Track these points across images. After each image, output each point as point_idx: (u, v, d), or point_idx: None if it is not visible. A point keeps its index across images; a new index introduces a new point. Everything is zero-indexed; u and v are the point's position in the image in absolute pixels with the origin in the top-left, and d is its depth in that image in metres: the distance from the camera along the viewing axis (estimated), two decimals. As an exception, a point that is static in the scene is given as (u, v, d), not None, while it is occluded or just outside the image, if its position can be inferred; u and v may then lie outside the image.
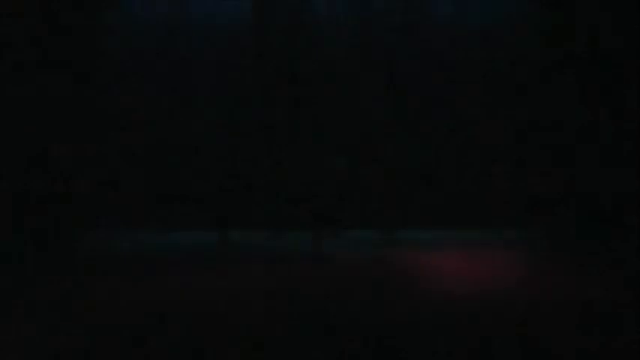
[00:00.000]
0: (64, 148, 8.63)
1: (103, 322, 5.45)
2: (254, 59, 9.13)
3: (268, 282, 6.83)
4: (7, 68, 8.38)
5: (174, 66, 9.15)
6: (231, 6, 9.12)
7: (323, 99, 9.09)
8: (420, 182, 9.04)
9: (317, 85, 9.09)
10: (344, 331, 5.20)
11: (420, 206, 9.04)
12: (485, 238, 8.84)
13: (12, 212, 8.31)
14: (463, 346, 4.87)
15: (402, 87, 9.07)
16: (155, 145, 9.05)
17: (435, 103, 9.08)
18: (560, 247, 8.55)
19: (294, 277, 7.02)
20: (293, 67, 9.09)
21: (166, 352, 4.78)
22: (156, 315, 5.65)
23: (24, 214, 8.35)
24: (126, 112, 9.03)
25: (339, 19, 9.15)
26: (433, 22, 9.12)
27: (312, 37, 9.13)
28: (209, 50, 9.14)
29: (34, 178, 8.44)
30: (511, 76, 8.98)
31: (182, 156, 9.08)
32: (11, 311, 5.83)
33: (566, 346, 4.86)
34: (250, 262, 7.76)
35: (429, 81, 9.07)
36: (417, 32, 9.11)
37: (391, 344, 4.93)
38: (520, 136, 8.96)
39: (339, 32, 9.15)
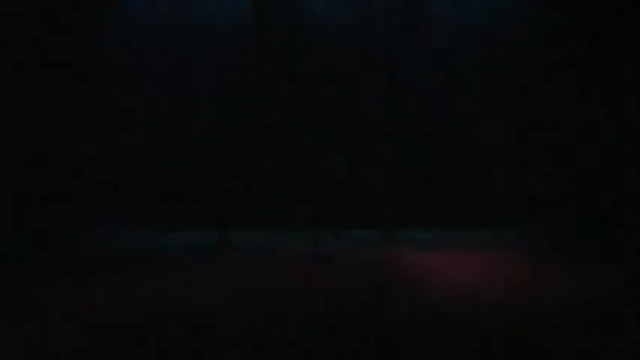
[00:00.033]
0: (64, 148, 8.64)
1: (103, 322, 5.45)
2: (254, 59, 9.14)
3: (268, 282, 6.83)
4: (7, 68, 8.39)
5: (174, 66, 9.15)
6: (231, 6, 9.13)
7: (323, 99, 9.09)
8: (420, 182, 9.04)
9: (317, 85, 9.09)
10: (344, 331, 5.20)
11: (420, 206, 9.05)
12: (485, 238, 8.85)
13: (12, 212, 8.31)
14: (463, 346, 4.87)
15: (402, 87, 9.07)
16: (155, 145, 9.06)
17: (435, 103, 9.08)
18: (560, 247, 8.55)
19: (294, 277, 7.02)
20: (293, 67, 9.09)
21: (166, 352, 4.78)
22: (156, 315, 5.65)
23: (24, 214, 8.36)
24: (126, 112, 9.03)
25: (339, 19, 9.15)
26: (433, 22, 9.13)
27: (312, 37, 9.13)
28: (209, 50, 9.15)
29: (34, 178, 8.44)
30: (511, 76, 8.99)
31: (182, 156, 9.08)
32: (11, 311, 5.82)
33: (566, 346, 4.86)
34: (250, 262, 7.76)
35: (429, 81, 9.08)
36: (417, 32, 9.12)
37: (391, 344, 4.93)
38: (520, 136, 8.96)
39: (339, 32, 9.15)
